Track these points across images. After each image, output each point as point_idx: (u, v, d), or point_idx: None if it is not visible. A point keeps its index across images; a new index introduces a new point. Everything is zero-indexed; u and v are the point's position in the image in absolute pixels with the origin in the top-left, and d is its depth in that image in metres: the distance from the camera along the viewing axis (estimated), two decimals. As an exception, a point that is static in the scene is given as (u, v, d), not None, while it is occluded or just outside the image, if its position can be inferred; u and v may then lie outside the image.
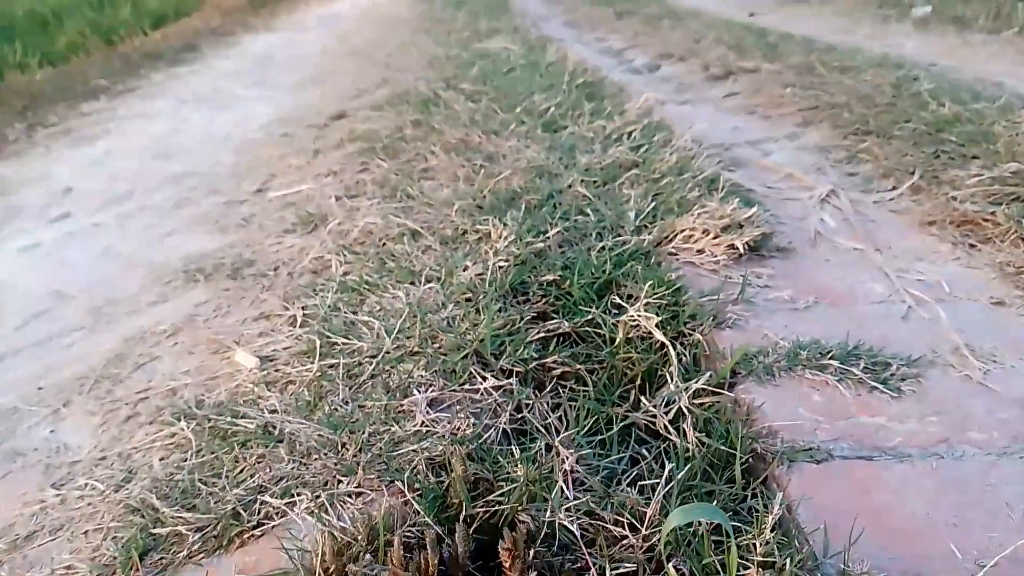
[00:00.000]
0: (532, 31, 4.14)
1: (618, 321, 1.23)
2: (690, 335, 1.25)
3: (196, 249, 2.07)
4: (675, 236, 1.51)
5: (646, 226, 1.56)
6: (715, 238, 1.48)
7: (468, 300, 1.35)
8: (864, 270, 1.50)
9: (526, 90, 2.48)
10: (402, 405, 1.12)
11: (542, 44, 3.59)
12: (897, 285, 1.43)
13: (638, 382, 1.20)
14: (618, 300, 1.29)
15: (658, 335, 1.17)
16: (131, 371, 1.53)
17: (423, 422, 1.08)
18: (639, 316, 1.19)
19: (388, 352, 1.23)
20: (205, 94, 4.06)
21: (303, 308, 1.49)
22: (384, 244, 1.66)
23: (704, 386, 1.09)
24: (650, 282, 1.30)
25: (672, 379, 1.12)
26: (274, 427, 1.14)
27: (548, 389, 1.18)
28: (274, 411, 1.18)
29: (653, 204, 1.62)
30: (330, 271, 1.66)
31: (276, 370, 1.32)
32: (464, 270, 1.42)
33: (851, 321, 1.30)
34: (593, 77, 2.66)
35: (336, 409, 1.14)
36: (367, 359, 1.24)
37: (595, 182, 1.75)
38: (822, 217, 1.73)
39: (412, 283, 1.44)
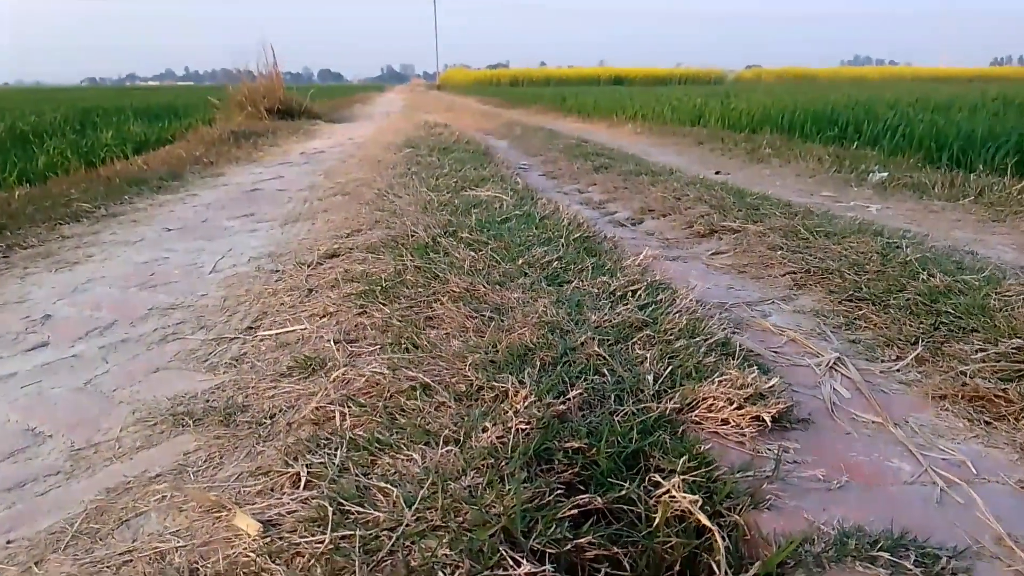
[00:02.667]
0: (517, 181, 4.25)
1: (657, 500, 1.17)
2: (727, 516, 1.19)
3: (184, 388, 1.98)
4: (697, 404, 1.48)
5: (666, 391, 1.53)
6: (739, 408, 1.45)
7: (490, 467, 1.28)
8: (887, 446, 1.48)
9: (525, 241, 2.51)
10: (428, 589, 1.03)
11: (531, 195, 3.69)
12: (924, 464, 1.40)
13: (676, 569, 1.13)
14: (651, 474, 1.23)
15: (703, 519, 1.11)
16: (113, 527, 1.40)
17: (452, 611, 0.99)
18: (680, 496, 1.14)
19: (408, 525, 1.15)
20: (191, 224, 4.04)
21: (307, 466, 1.40)
22: (392, 397, 1.60)
23: (754, 578, 1.03)
24: (683, 456, 1.26)
25: (720, 569, 1.05)
26: (283, 608, 1.04)
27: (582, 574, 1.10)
28: (282, 588, 1.07)
29: (670, 368, 1.60)
30: (333, 423, 1.58)
31: (281, 538, 1.21)
32: (483, 431, 1.36)
33: (887, 504, 1.26)
34: (588, 231, 2.71)
35: (354, 590, 1.04)
36: (384, 532, 1.15)
37: (607, 341, 1.73)
38: (834, 387, 1.72)
39: (427, 444, 1.37)
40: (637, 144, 9.39)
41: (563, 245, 2.44)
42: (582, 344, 1.69)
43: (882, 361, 1.91)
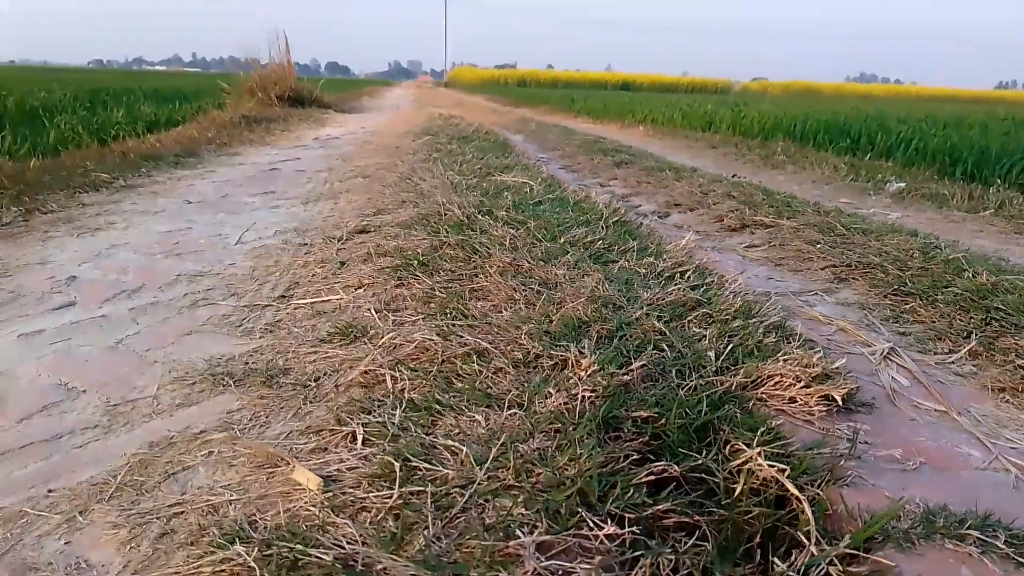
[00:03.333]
0: (541, 170, 4.22)
1: (735, 470, 1.14)
2: (806, 490, 1.15)
3: (220, 351, 1.94)
4: (763, 382, 1.44)
5: (727, 368, 1.49)
6: (806, 387, 1.42)
7: (557, 431, 1.24)
8: (953, 432, 1.45)
9: (563, 222, 2.47)
10: (507, 547, 0.99)
11: (558, 183, 3.65)
12: (994, 452, 1.37)
13: (757, 540, 1.09)
14: (726, 446, 1.20)
15: (792, 488, 1.08)
16: (159, 480, 1.36)
17: (535, 571, 0.95)
18: (767, 466, 1.10)
19: (480, 483, 1.11)
20: (211, 198, 4.00)
21: (364, 425, 1.36)
22: (445, 363, 1.56)
23: (847, 550, 0.99)
24: (754, 430, 1.22)
25: (810, 540, 1.02)
26: (355, 560, 1.00)
27: (659, 541, 1.06)
28: (352, 541, 1.03)
29: (729, 346, 1.57)
30: (384, 386, 1.54)
31: (343, 493, 1.17)
32: (546, 397, 1.32)
33: (963, 488, 1.22)
34: (624, 216, 2.67)
35: (429, 545, 1.00)
36: (456, 489, 1.11)
37: (663, 318, 1.69)
38: (892, 375, 1.69)
39: (490, 407, 1.33)
40: (649, 146, 9.35)
41: (602, 228, 2.40)
42: (637, 319, 1.66)
43: (935, 353, 1.87)
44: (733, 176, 6.28)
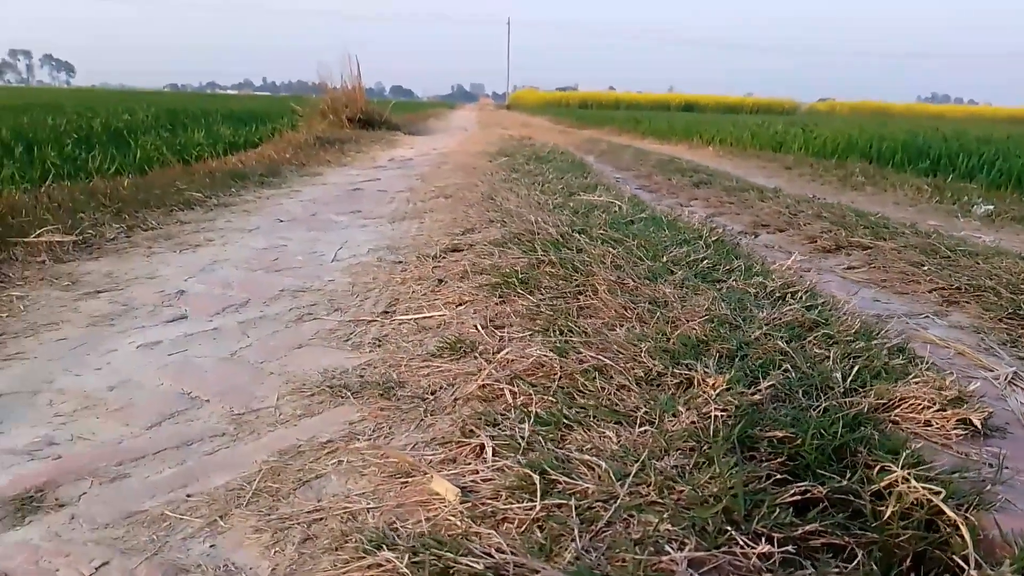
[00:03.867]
0: (623, 190, 4.21)
1: (883, 491, 1.11)
2: (954, 515, 1.12)
3: (332, 364, 1.99)
4: (895, 404, 1.41)
5: (856, 390, 1.47)
6: (941, 411, 1.38)
7: (692, 449, 1.23)
8: (1098, 463, 1.39)
9: (661, 241, 2.47)
10: (660, 562, 0.99)
11: (645, 202, 3.64)
12: None
13: (907, 563, 1.06)
14: (865, 467, 1.17)
15: (949, 512, 1.05)
16: (294, 487, 1.40)
17: (691, 585, 0.94)
18: (922, 488, 1.07)
19: (623, 498, 1.11)
20: (301, 216, 4.12)
21: (492, 438, 1.37)
22: (564, 378, 1.57)
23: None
24: (893, 453, 1.20)
25: (970, 564, 0.99)
26: (506, 570, 1.01)
27: (809, 562, 1.05)
28: (499, 550, 1.04)
29: (855, 368, 1.54)
30: (504, 400, 1.56)
31: (482, 504, 1.19)
32: (676, 415, 1.32)
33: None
34: (724, 235, 2.65)
35: (579, 557, 1.01)
36: (598, 503, 1.12)
37: (782, 338, 1.67)
38: (1021, 399, 1.63)
39: (620, 423, 1.33)
40: (722, 166, 9.27)
41: (703, 247, 2.39)
42: (756, 339, 1.64)
43: (1062, 379, 1.80)
44: (814, 197, 6.18)
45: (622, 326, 1.76)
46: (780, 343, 1.60)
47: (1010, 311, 2.19)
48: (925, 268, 2.57)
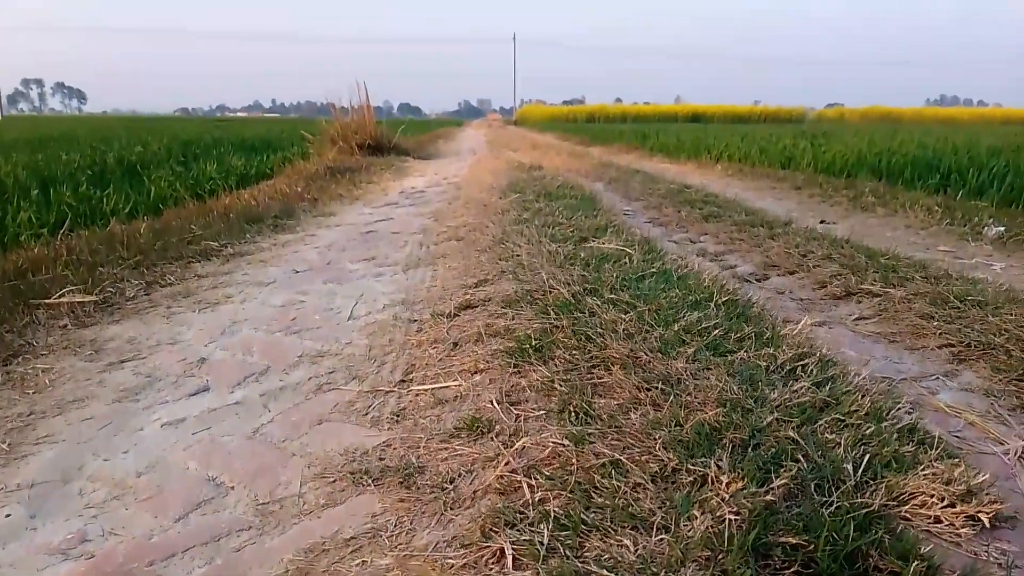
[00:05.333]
0: (634, 232, 4.25)
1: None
2: (968, 628, 1.15)
3: (352, 443, 2.03)
4: (906, 499, 1.44)
5: (867, 482, 1.50)
6: (951, 506, 1.41)
7: (708, 559, 1.27)
8: (1110, 553, 1.41)
9: (672, 303, 2.50)
10: None
11: (655, 248, 3.68)
12: None
13: None
14: (876, 571, 1.20)
15: (960, 636, 1.08)
16: (320, 592, 1.44)
17: None
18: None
19: (641, 618, 1.15)
20: (317, 265, 4.18)
21: (512, 543, 1.41)
22: (580, 472, 1.61)
23: None
24: (905, 558, 1.23)
25: None
26: None
27: None
28: (523, 678, 1.08)
29: (866, 456, 1.57)
30: (522, 494, 1.60)
31: (505, 620, 1.23)
32: (692, 519, 1.35)
33: None
34: (734, 294, 2.68)
35: None
36: (617, 623, 1.15)
37: (793, 423, 1.70)
38: (1032, 480, 1.65)
39: (636, 529, 1.37)
40: (730, 187, 9.32)
41: (714, 310, 2.42)
42: (768, 425, 1.67)
43: (1074, 452, 1.82)
44: (822, 222, 6.21)
45: (636, 410, 1.80)
46: (791, 432, 1.63)
47: (1019, 372, 2.21)
48: (935, 322, 2.59)
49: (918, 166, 9.86)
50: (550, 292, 2.76)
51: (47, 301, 3.49)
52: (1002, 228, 5.87)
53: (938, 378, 2.27)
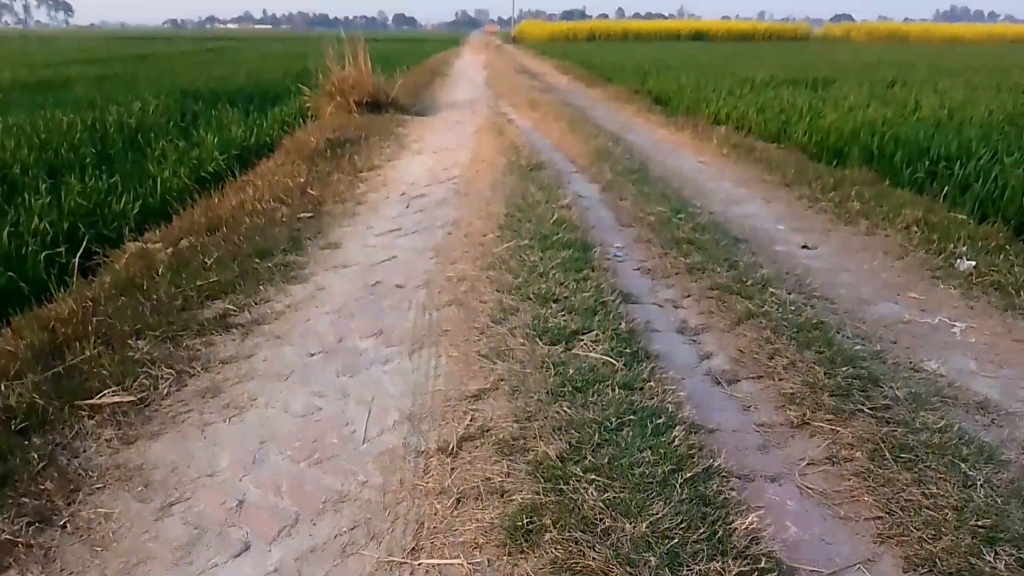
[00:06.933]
0: (620, 325, 4.61)
1: None
2: None
3: (375, 640, 2.50)
4: None
5: None
6: None
7: None
8: None
9: (644, 483, 2.93)
10: None
11: (640, 357, 4.09)
12: None
13: None
14: None
15: None
16: None
17: None
18: None
19: None
20: (330, 344, 4.56)
21: None
22: None
23: None
24: None
25: None
26: None
27: None
28: None
29: None
30: None
31: None
32: None
33: None
34: (699, 467, 3.10)
35: None
36: None
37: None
38: None
39: None
40: (723, 176, 9.66)
41: (678, 491, 2.87)
42: None
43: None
44: (803, 247, 6.58)
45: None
46: None
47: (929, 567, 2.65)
48: (867, 483, 3.01)
49: (908, 147, 10.23)
50: (538, 456, 3.18)
51: (89, 402, 3.90)
52: (972, 263, 6.26)
53: (859, 568, 2.72)
